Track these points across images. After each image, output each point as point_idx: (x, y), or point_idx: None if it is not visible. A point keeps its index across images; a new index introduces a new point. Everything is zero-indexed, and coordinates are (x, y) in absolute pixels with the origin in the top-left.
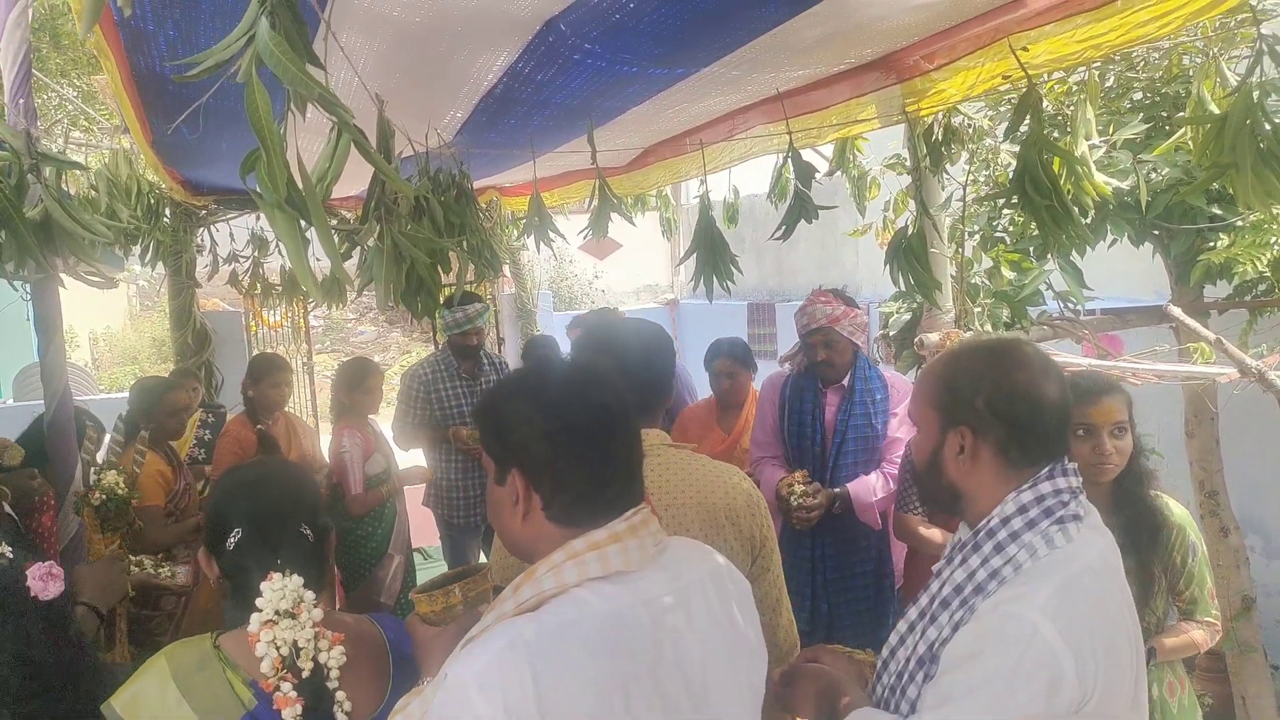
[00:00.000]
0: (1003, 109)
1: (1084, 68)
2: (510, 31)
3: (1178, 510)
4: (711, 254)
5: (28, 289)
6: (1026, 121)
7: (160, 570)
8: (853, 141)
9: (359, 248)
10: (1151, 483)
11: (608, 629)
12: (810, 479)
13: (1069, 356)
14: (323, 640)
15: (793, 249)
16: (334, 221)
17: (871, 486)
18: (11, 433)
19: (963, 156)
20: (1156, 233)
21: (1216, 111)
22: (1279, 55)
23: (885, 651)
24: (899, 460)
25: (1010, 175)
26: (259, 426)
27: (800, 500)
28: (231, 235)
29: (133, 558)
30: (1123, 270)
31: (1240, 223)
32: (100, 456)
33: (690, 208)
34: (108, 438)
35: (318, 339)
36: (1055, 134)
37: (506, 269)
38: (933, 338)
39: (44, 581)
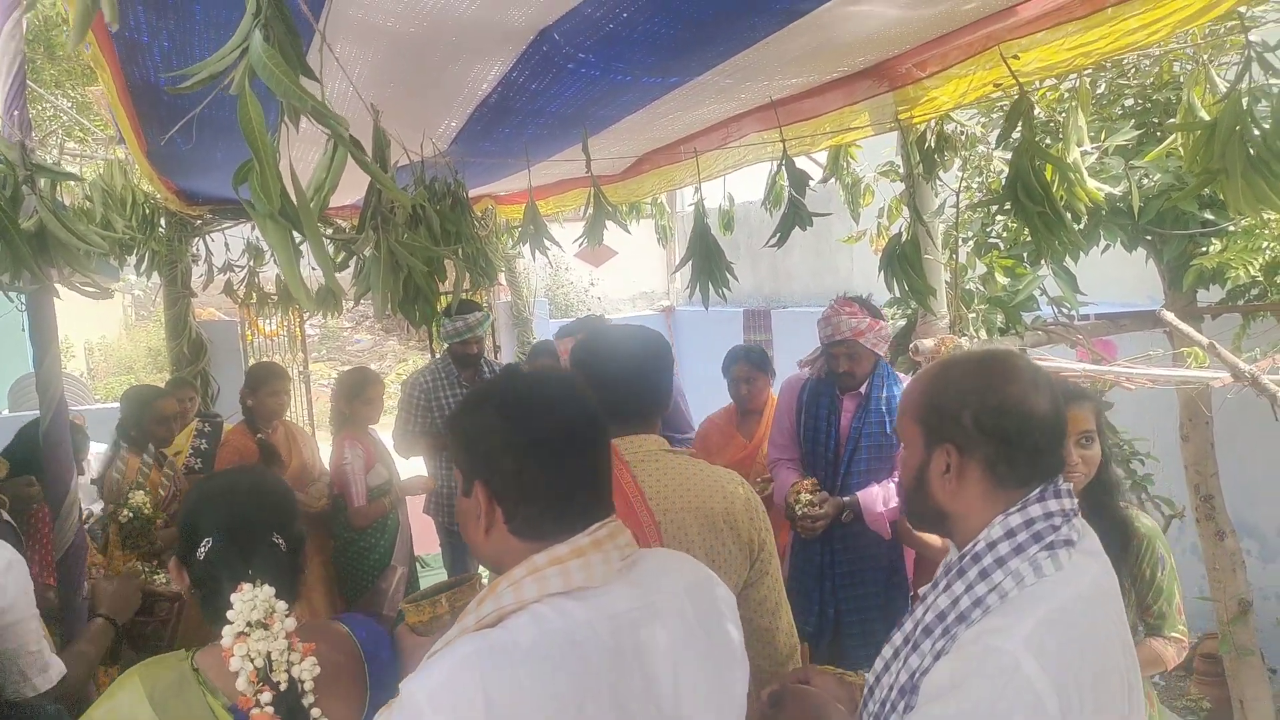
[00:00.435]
0: (995, 116)
1: (1075, 75)
2: (504, 41)
3: (1146, 522)
4: (707, 261)
5: (23, 300)
6: (1018, 129)
7: (155, 577)
8: (846, 149)
9: (355, 257)
10: (1120, 493)
11: (565, 646)
12: (819, 487)
13: (1063, 362)
14: (294, 653)
15: (788, 255)
16: (330, 231)
17: (880, 497)
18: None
19: (955, 163)
20: (1149, 238)
21: (1206, 118)
22: (1267, 62)
23: (871, 677)
24: None
25: (1003, 182)
26: (259, 435)
27: (805, 509)
28: (227, 245)
29: (126, 565)
30: (1116, 275)
31: (1232, 228)
32: (94, 468)
33: (685, 215)
34: (91, 447)
35: (314, 348)
36: (1047, 140)
37: (502, 277)
38: (927, 344)
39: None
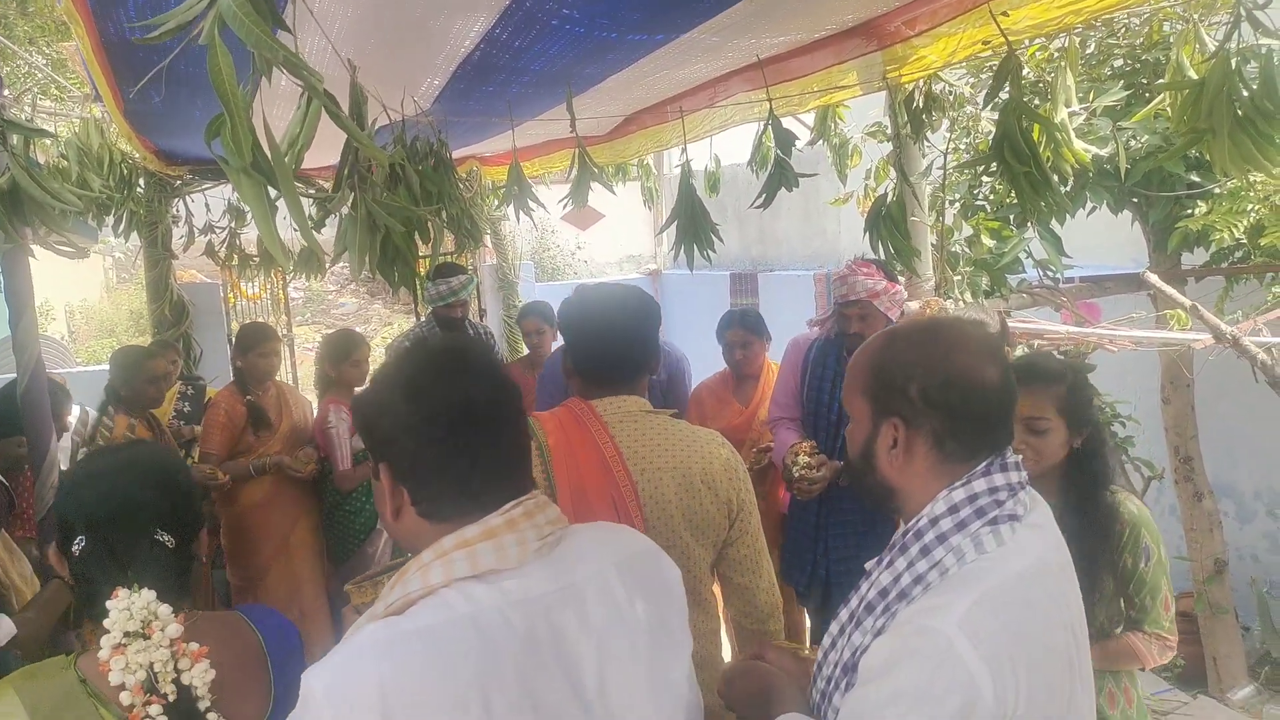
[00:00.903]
0: (984, 76)
1: (1064, 34)
2: None
3: (1133, 509)
4: (692, 223)
5: None
6: (1006, 88)
7: None
8: (834, 109)
9: (337, 217)
10: (1107, 483)
11: (467, 633)
12: (819, 449)
13: (1047, 325)
14: (183, 659)
15: (775, 218)
16: (310, 190)
17: None
18: None
19: (944, 124)
20: (1135, 200)
21: (1195, 77)
22: (1258, 20)
23: (820, 654)
24: None
25: (990, 143)
26: (248, 397)
27: (803, 471)
28: (208, 206)
29: None
30: (1101, 238)
31: (1218, 190)
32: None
33: (672, 177)
34: (76, 409)
35: (298, 311)
36: (1036, 101)
37: (488, 239)
38: (912, 306)
39: None
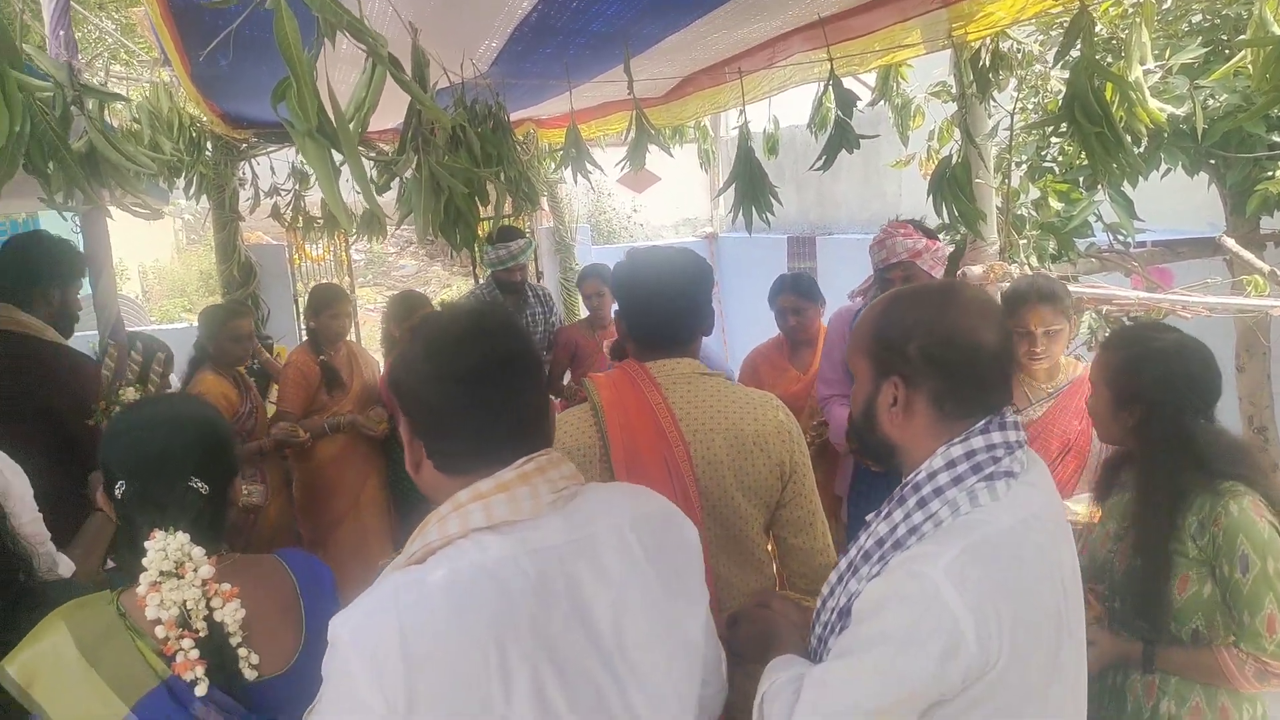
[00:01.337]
0: (1053, 34)
1: None
2: None
3: (1236, 512)
4: (750, 185)
5: (77, 223)
6: (1078, 45)
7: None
8: (896, 69)
9: (398, 179)
10: (1180, 457)
11: (482, 579)
12: None
13: (1116, 290)
14: (215, 598)
15: (834, 181)
16: (372, 154)
17: None
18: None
19: (1011, 83)
20: (1212, 161)
21: (1279, 33)
22: None
23: (819, 602)
24: None
25: (1060, 103)
26: (321, 358)
27: None
28: (272, 168)
29: None
30: (1175, 201)
31: None
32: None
33: (729, 140)
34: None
35: (359, 273)
36: (1109, 59)
37: (544, 202)
38: (976, 270)
39: None
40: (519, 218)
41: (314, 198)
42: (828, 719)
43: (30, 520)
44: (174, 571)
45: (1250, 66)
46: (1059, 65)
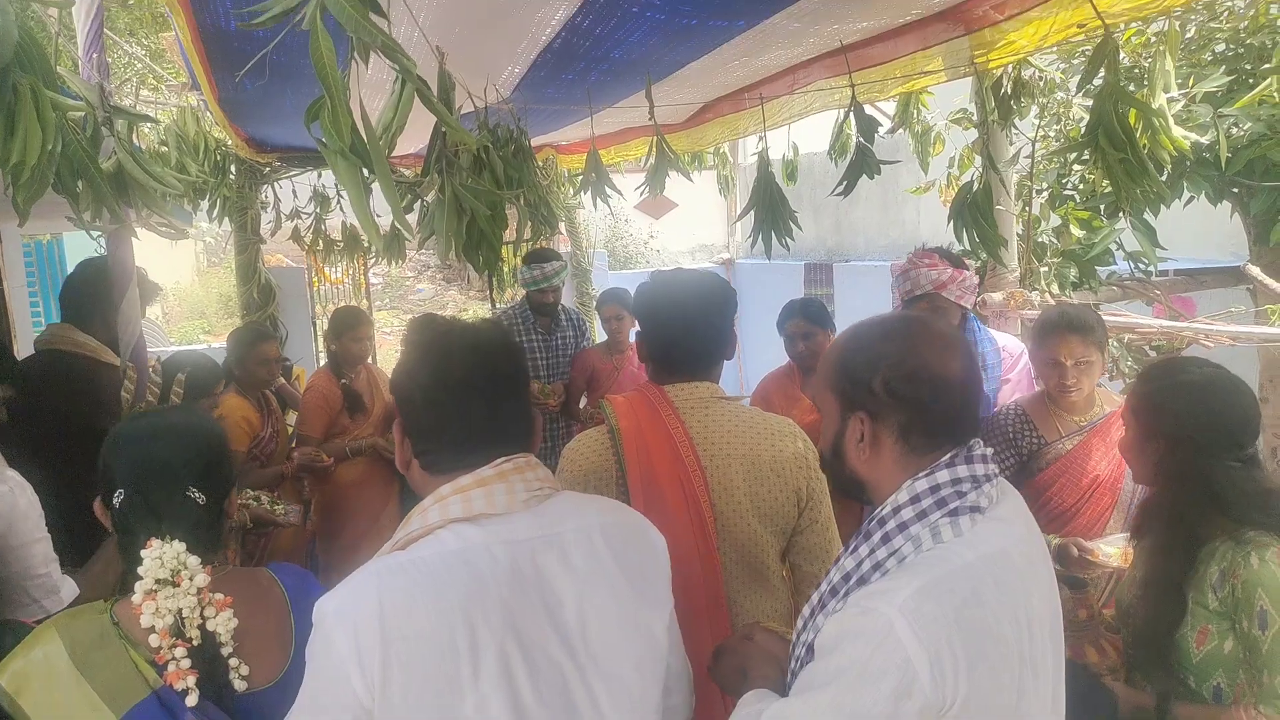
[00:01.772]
0: (1075, 61)
1: (1164, 17)
2: None
3: (1256, 564)
4: (770, 210)
5: (103, 243)
6: (1101, 72)
7: (275, 507)
8: (917, 96)
9: (420, 201)
10: (1208, 512)
11: (457, 564)
12: None
13: (1138, 318)
14: (209, 608)
15: (852, 208)
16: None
17: None
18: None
19: (1032, 110)
20: (1235, 190)
21: None
22: None
23: (795, 635)
24: None
25: (1082, 130)
26: (342, 381)
27: None
28: (295, 192)
29: (251, 492)
30: (1198, 230)
31: None
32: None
33: (748, 166)
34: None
35: (377, 296)
36: (1131, 87)
37: (563, 227)
38: (996, 297)
39: None
40: (537, 242)
41: (334, 221)
42: None
43: (34, 540)
44: (170, 580)
45: (1275, 95)
46: (1081, 93)
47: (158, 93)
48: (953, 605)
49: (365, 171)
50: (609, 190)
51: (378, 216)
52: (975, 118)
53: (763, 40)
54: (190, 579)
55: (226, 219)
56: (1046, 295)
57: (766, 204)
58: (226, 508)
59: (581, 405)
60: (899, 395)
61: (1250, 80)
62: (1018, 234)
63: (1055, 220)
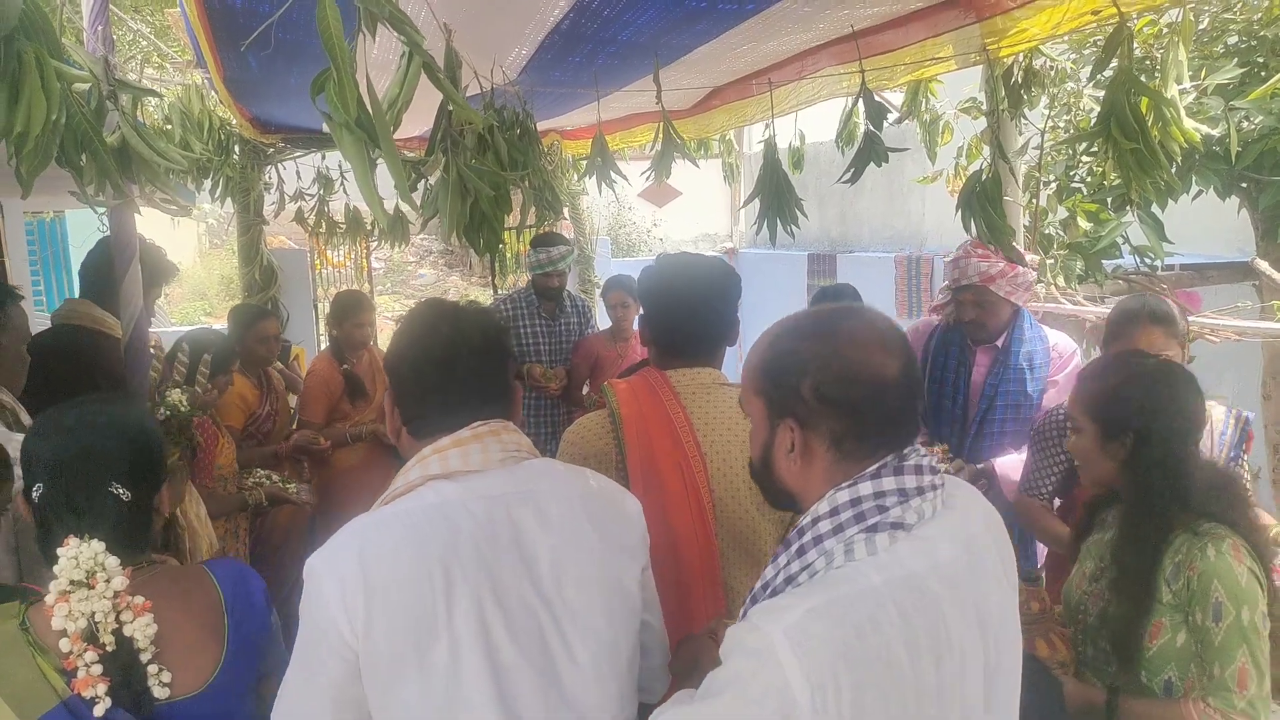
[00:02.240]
0: (1087, 51)
1: (1177, 8)
2: None
3: (1213, 556)
4: (776, 197)
5: (106, 221)
6: (1114, 61)
7: (288, 486)
8: (926, 84)
9: (424, 181)
10: (1160, 505)
11: (433, 514)
12: (950, 455)
13: None
14: (126, 611)
15: (857, 198)
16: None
17: (1019, 465)
18: None
19: (1041, 101)
20: (1244, 185)
21: None
22: None
23: None
24: None
25: (1092, 121)
26: (344, 366)
27: None
28: (298, 173)
29: (262, 471)
30: (1205, 225)
31: None
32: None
33: (753, 155)
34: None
35: (379, 280)
36: (1143, 79)
37: (566, 214)
38: None
39: None
40: (541, 227)
41: (337, 204)
42: None
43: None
44: (84, 581)
45: None
46: (1093, 82)
47: (162, 70)
48: (843, 631)
49: (371, 152)
50: (614, 175)
51: (382, 199)
52: (985, 107)
53: (772, 25)
54: (107, 581)
55: (229, 199)
56: (1052, 288)
57: (773, 190)
58: (156, 504)
59: (584, 392)
60: (829, 400)
61: (1262, 73)
62: (1024, 226)
63: (1062, 213)
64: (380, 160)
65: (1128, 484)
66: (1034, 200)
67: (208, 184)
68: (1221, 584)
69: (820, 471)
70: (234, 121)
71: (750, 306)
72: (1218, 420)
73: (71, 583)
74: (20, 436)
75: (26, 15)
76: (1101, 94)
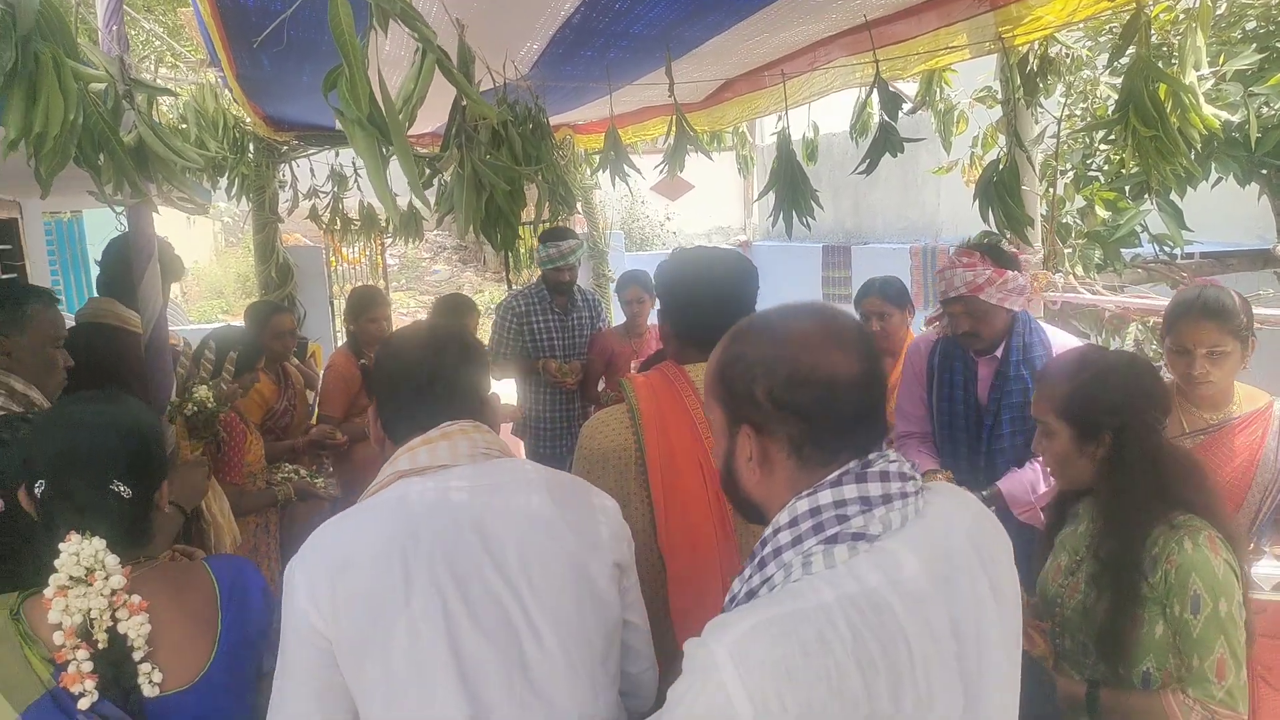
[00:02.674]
0: (1102, 39)
1: None
2: None
3: (1190, 549)
4: (791, 189)
5: (123, 219)
6: (1132, 48)
7: (316, 480)
8: (940, 74)
9: (438, 178)
10: (1139, 501)
11: (394, 505)
12: (955, 481)
13: (1163, 301)
14: (122, 610)
15: (871, 189)
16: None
17: (1029, 484)
18: None
19: (1057, 89)
20: (1264, 172)
21: None
22: None
23: None
24: None
25: (1109, 109)
26: (361, 361)
27: None
28: (312, 171)
29: (290, 466)
30: (1225, 212)
31: None
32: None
33: (766, 147)
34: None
35: (393, 276)
36: (1160, 65)
37: (579, 208)
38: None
39: None
40: (554, 222)
41: (351, 201)
42: None
43: None
44: (83, 578)
45: None
46: (1109, 69)
47: (176, 70)
48: (786, 650)
49: (384, 148)
50: (627, 169)
51: (395, 195)
52: (1000, 96)
53: (784, 15)
54: (105, 579)
55: (244, 197)
56: (1070, 277)
57: (788, 182)
58: (157, 501)
59: (600, 388)
60: (784, 404)
61: None
62: (1042, 215)
63: (1079, 201)
64: (393, 156)
65: (1105, 480)
66: (1051, 189)
67: (223, 182)
68: (1199, 576)
69: (782, 480)
70: (248, 120)
71: (765, 299)
72: (1276, 415)
73: (71, 578)
74: None
75: (43, 16)
76: (1118, 81)
